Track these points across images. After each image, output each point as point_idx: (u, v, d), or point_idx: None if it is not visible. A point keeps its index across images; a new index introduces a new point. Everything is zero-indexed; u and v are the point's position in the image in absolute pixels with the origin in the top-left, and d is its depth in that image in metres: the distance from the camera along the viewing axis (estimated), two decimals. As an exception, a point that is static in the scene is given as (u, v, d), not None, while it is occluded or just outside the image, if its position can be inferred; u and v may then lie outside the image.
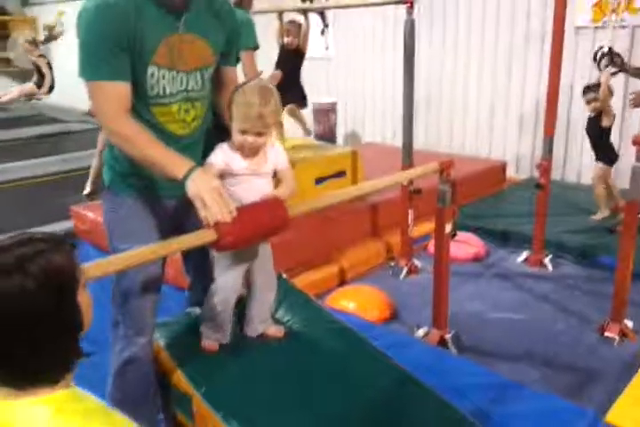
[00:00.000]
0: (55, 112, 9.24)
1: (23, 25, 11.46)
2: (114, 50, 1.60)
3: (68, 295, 0.93)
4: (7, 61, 11.40)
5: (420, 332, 2.80)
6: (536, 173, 3.89)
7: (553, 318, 3.07)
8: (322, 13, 6.80)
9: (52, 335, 0.91)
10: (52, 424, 0.89)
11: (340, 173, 3.97)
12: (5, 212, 4.29)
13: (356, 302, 3.04)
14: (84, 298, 0.97)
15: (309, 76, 7.13)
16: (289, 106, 4.21)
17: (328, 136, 6.26)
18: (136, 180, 1.81)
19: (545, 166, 3.53)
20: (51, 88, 7.64)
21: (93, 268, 1.35)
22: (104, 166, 1.89)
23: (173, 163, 1.63)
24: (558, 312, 3.13)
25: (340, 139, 6.76)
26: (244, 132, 1.69)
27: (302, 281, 3.14)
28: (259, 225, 1.72)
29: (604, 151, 4.04)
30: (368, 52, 6.53)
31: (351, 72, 6.78)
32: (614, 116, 3.97)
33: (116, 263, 1.48)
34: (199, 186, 1.57)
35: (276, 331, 2.13)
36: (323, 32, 6.90)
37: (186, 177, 1.59)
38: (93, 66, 1.62)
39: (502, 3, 5.32)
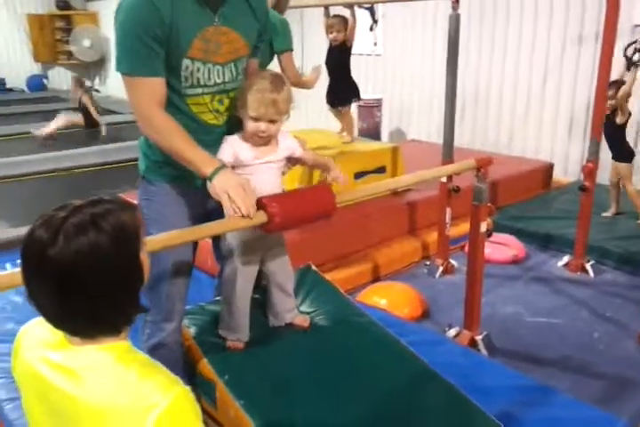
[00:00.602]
0: (109, 104, 9.48)
1: (86, 19, 11.81)
2: (150, 45, 1.63)
3: (134, 251, 1.02)
4: (70, 54, 11.76)
5: (452, 332, 2.76)
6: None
7: (590, 325, 2.98)
8: (370, 9, 6.77)
9: (121, 288, 1.00)
10: (113, 369, 0.99)
11: (380, 169, 3.94)
12: (58, 198, 4.41)
13: (388, 299, 3.01)
14: (144, 256, 1.06)
15: (356, 72, 7.14)
16: (345, 107, 4.16)
17: (372, 133, 6.23)
18: (170, 169, 1.83)
19: (590, 169, 3.43)
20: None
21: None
22: (139, 155, 1.92)
23: (202, 160, 1.67)
24: (596, 319, 3.04)
25: (384, 136, 6.72)
26: (256, 119, 1.70)
27: (336, 276, 3.13)
28: (307, 208, 1.75)
29: (621, 149, 3.96)
30: (417, 48, 6.46)
31: (398, 68, 6.72)
32: (630, 114, 3.87)
33: (154, 243, 1.48)
34: (224, 184, 1.61)
35: (301, 321, 2.14)
36: (371, 28, 6.86)
37: (212, 175, 1.63)
38: (129, 61, 1.66)
39: (555, 6, 5.18)
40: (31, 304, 0.99)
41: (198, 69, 1.73)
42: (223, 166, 1.65)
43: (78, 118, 7.64)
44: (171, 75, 1.71)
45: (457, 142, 4.16)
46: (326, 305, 2.31)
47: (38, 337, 1.08)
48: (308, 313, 2.23)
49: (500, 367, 2.42)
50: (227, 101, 1.83)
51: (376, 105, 6.34)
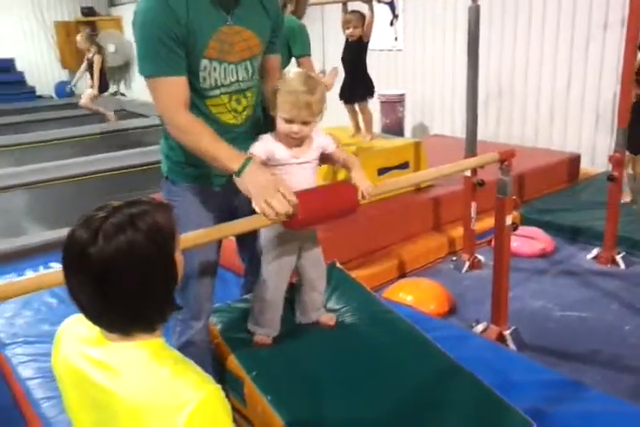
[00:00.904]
0: (135, 107, 9.60)
1: (110, 24, 11.98)
2: (169, 45, 1.65)
3: (168, 250, 1.06)
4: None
5: (479, 327, 2.74)
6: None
7: (621, 318, 2.93)
8: (391, 4, 6.74)
9: (157, 286, 1.04)
10: (148, 366, 1.02)
11: (403, 165, 3.93)
12: (89, 200, 4.51)
13: (414, 295, 3.00)
14: (179, 256, 1.10)
15: (378, 67, 7.13)
16: (362, 103, 4.13)
17: (395, 128, 6.20)
18: (193, 169, 1.86)
19: (617, 159, 3.37)
20: (105, 88, 7.69)
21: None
22: (161, 156, 1.95)
23: (228, 157, 1.67)
24: (627, 312, 2.99)
25: (407, 131, 6.68)
26: (289, 121, 1.69)
27: (361, 273, 3.14)
28: (330, 205, 1.76)
29: None
30: (438, 42, 6.41)
31: (420, 63, 6.68)
32: None
33: (182, 241, 1.51)
34: (252, 179, 1.61)
35: (328, 319, 2.15)
36: (392, 23, 6.83)
37: (240, 171, 1.63)
38: (150, 62, 1.68)
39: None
40: (71, 301, 1.04)
41: (215, 69, 1.75)
42: (249, 160, 1.64)
43: (91, 93, 7.67)
44: (190, 76, 1.73)
45: (481, 136, 4.13)
46: (352, 302, 2.32)
47: (77, 333, 1.12)
48: (334, 310, 2.25)
49: (529, 362, 2.40)
50: (244, 101, 1.85)
51: (398, 100, 6.31)
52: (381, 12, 6.84)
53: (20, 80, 11.49)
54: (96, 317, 1.04)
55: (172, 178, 1.91)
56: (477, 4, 3.26)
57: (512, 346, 2.63)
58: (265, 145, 1.74)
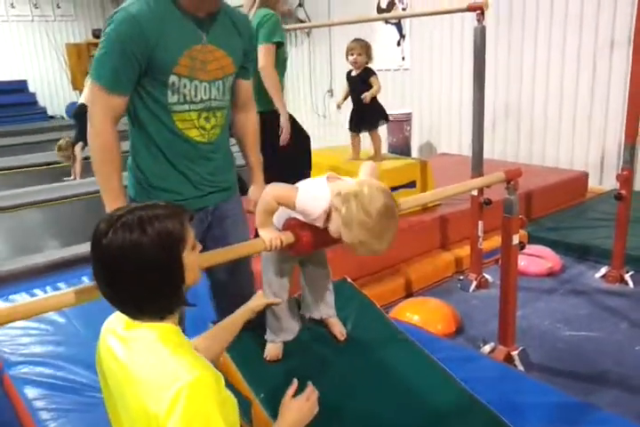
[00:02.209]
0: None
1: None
2: (123, 64, 1.70)
3: (174, 253, 1.17)
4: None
5: (487, 347, 2.72)
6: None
7: (631, 338, 2.90)
8: (398, 25, 6.81)
9: (158, 282, 1.16)
10: (153, 344, 1.17)
11: (410, 184, 3.93)
12: (99, 218, 4.55)
13: (421, 315, 2.99)
14: (190, 258, 1.21)
15: (385, 87, 7.14)
16: (373, 130, 4.02)
17: (402, 148, 6.23)
18: (162, 193, 1.88)
19: (625, 176, 3.36)
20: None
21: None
22: (128, 178, 1.95)
23: (115, 196, 1.77)
24: (637, 331, 2.96)
25: (414, 150, 6.71)
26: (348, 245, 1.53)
27: (368, 292, 3.07)
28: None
29: None
30: (445, 61, 6.46)
31: (427, 82, 6.72)
32: None
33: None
34: None
35: (340, 331, 2.10)
36: (399, 43, 6.89)
37: None
38: (102, 72, 1.73)
39: (586, 4, 5.11)
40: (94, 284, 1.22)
41: (185, 86, 1.78)
42: None
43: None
44: (158, 90, 1.77)
45: (489, 154, 4.15)
46: (362, 319, 2.30)
47: (113, 322, 1.29)
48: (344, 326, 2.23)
49: (537, 384, 2.36)
50: (213, 120, 1.88)
51: (405, 120, 6.34)
52: (389, 32, 6.92)
53: (31, 101, 11.63)
54: (109, 300, 1.20)
55: (136, 198, 1.92)
56: (483, 25, 3.28)
57: (520, 367, 2.60)
58: (311, 208, 1.59)
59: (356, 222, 1.46)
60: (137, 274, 1.14)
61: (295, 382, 1.56)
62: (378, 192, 1.48)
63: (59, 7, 12.06)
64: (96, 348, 1.32)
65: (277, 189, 1.64)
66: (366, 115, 3.94)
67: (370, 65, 3.95)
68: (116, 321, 1.28)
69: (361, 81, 3.91)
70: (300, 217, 1.67)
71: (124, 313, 1.22)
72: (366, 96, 3.80)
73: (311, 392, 1.51)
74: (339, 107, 4.12)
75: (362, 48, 3.88)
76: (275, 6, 3.43)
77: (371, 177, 1.68)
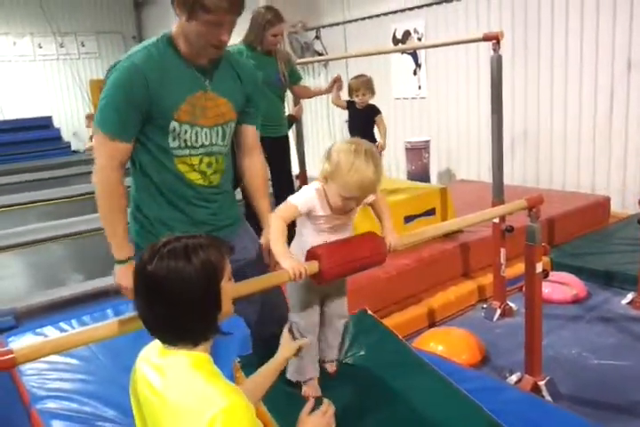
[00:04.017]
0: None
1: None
2: (129, 112, 1.75)
3: (213, 282, 1.23)
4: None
5: (513, 377, 2.68)
6: (641, 209, 3.70)
7: (661, 366, 2.85)
8: (413, 54, 6.90)
9: (196, 310, 1.21)
10: (186, 372, 1.20)
11: (430, 212, 3.94)
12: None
13: (445, 345, 2.97)
14: (227, 288, 1.27)
15: (403, 115, 7.26)
16: None
17: (421, 175, 6.25)
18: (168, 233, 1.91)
19: (648, 202, 3.34)
20: None
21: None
22: (131, 225, 1.98)
23: (119, 243, 1.83)
24: (667, 360, 2.91)
25: (433, 177, 6.73)
26: (348, 198, 1.67)
27: (391, 322, 3.10)
28: (359, 257, 1.77)
29: None
30: (461, 89, 6.51)
31: (444, 110, 6.77)
32: None
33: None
34: (120, 277, 1.81)
35: (330, 366, 2.12)
36: (415, 72, 6.97)
37: (119, 262, 1.82)
38: (106, 121, 1.77)
39: (601, 28, 5.14)
40: (135, 310, 1.27)
41: (186, 131, 1.82)
42: (130, 259, 1.80)
43: None
44: (159, 135, 1.81)
45: (508, 180, 4.14)
46: (384, 351, 2.30)
47: (148, 351, 1.33)
48: (364, 358, 2.22)
49: (566, 414, 2.31)
50: (214, 165, 1.92)
51: (423, 147, 6.37)
52: (405, 61, 7.02)
53: (56, 136, 11.91)
54: (148, 325, 1.25)
55: (143, 244, 1.91)
56: (499, 55, 3.31)
57: (548, 397, 2.56)
58: (309, 201, 1.74)
59: (335, 166, 1.64)
60: (178, 300, 1.19)
61: (312, 400, 1.57)
62: (349, 143, 1.68)
63: (83, 46, 12.46)
64: (130, 377, 1.35)
65: (279, 211, 1.75)
66: None
67: (372, 100, 3.96)
68: (151, 351, 1.32)
69: (365, 116, 3.90)
70: (309, 235, 1.74)
71: (159, 339, 1.27)
72: (380, 145, 3.79)
73: (327, 407, 1.52)
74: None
75: (366, 87, 3.89)
76: (254, 44, 3.65)
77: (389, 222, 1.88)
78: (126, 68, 1.74)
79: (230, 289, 1.30)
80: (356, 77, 3.96)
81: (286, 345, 1.79)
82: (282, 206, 1.76)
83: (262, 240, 2.13)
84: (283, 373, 1.83)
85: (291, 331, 1.91)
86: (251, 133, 2.07)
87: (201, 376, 1.18)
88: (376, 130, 4.07)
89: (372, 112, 3.91)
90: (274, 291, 2.07)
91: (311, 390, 2.02)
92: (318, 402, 1.55)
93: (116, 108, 1.75)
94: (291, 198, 1.75)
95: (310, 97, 4.42)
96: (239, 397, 1.16)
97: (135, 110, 1.75)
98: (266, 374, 1.70)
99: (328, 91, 4.11)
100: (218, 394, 1.14)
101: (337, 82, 4.05)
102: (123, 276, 1.81)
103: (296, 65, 4.18)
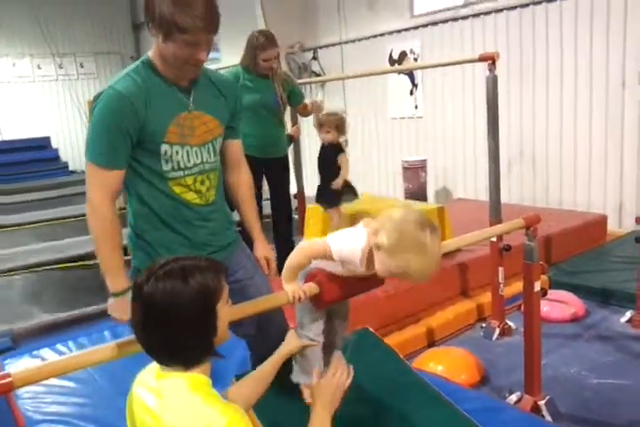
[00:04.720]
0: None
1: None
2: (117, 140, 1.75)
3: (209, 305, 1.23)
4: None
5: (513, 397, 2.66)
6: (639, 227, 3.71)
7: (661, 385, 2.84)
8: (410, 74, 6.97)
9: (193, 330, 1.21)
10: (185, 394, 1.20)
11: (428, 231, 3.93)
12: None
13: (445, 365, 2.95)
14: (223, 311, 1.27)
15: (400, 134, 7.31)
16: (331, 209, 3.83)
17: (419, 194, 6.27)
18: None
19: (645, 220, 3.36)
20: None
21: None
22: (131, 249, 1.99)
23: (115, 275, 1.82)
24: (667, 378, 2.90)
25: (430, 196, 6.75)
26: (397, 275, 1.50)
27: (389, 341, 3.08)
28: (358, 282, 1.75)
29: None
30: (457, 108, 6.56)
31: (440, 129, 6.82)
32: None
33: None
34: (124, 308, 1.72)
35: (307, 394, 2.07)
36: (411, 92, 7.04)
37: (115, 294, 1.81)
38: (95, 151, 1.78)
39: (595, 48, 5.20)
40: (131, 332, 1.26)
41: (177, 152, 1.84)
42: (127, 291, 1.76)
43: None
44: (152, 159, 1.82)
45: (505, 198, 4.16)
46: (384, 369, 2.29)
47: (145, 374, 1.33)
48: (364, 376, 2.20)
49: (566, 434, 2.32)
50: (207, 182, 1.93)
51: (420, 166, 6.41)
52: (401, 81, 7.09)
53: (54, 157, 11.95)
54: (144, 345, 1.25)
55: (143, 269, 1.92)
56: (495, 74, 3.34)
57: (548, 417, 2.54)
58: (349, 255, 1.56)
59: (398, 245, 1.43)
60: (174, 321, 1.19)
61: (317, 369, 1.59)
62: (409, 211, 1.50)
63: (82, 66, 12.58)
64: (127, 402, 1.34)
65: (309, 246, 1.65)
66: (327, 193, 3.76)
67: (342, 139, 3.76)
68: (147, 374, 1.32)
69: (328, 153, 3.73)
70: (327, 267, 1.68)
71: (156, 360, 1.27)
72: (336, 184, 3.66)
73: (337, 365, 1.54)
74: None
75: (332, 125, 3.67)
76: (250, 68, 3.68)
77: None
78: (112, 97, 1.75)
79: (227, 313, 1.29)
80: (329, 114, 3.79)
81: (290, 341, 1.78)
82: (315, 245, 1.62)
83: (257, 254, 2.14)
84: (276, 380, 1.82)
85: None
86: (236, 148, 2.09)
87: (199, 397, 1.18)
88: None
89: (335, 150, 3.70)
90: (274, 317, 2.08)
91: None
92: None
93: (106, 138, 1.75)
94: (330, 241, 1.59)
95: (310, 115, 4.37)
96: (237, 413, 1.17)
97: (125, 138, 1.76)
98: (264, 371, 1.70)
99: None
100: (216, 413, 1.15)
101: (314, 104, 4.00)
102: (118, 308, 1.80)
103: (297, 86, 4.16)
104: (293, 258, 1.66)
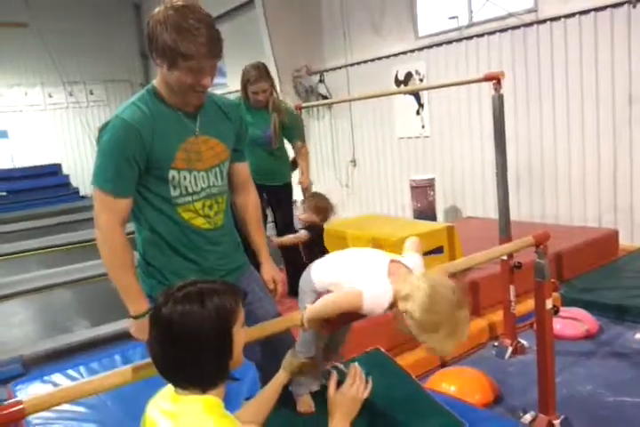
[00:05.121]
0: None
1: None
2: (125, 168, 1.77)
3: (226, 327, 1.25)
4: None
5: (527, 417, 2.63)
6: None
7: (679, 402, 2.79)
8: (416, 95, 7.02)
9: (207, 354, 1.22)
10: (199, 416, 1.21)
11: (438, 250, 3.94)
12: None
13: (458, 385, 2.92)
14: (239, 334, 1.28)
15: (408, 154, 7.34)
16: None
17: (428, 213, 6.27)
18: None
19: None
20: None
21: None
22: (140, 276, 1.97)
23: (133, 297, 1.83)
24: (685, 395, 2.85)
25: (440, 214, 6.74)
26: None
27: (402, 362, 3.05)
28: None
29: None
30: (464, 127, 6.59)
31: (448, 148, 6.85)
32: None
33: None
34: (145, 329, 1.69)
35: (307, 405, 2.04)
36: (418, 112, 7.08)
37: (137, 317, 1.81)
38: (103, 179, 1.79)
39: (600, 64, 5.23)
40: (149, 354, 1.28)
41: (185, 178, 1.85)
42: (149, 312, 1.71)
43: None
44: (160, 186, 1.83)
45: (514, 215, 4.14)
46: (397, 391, 2.26)
47: (159, 398, 1.33)
48: (376, 397, 2.18)
49: (583, 455, 2.28)
50: (215, 206, 1.94)
51: (428, 185, 6.41)
52: (407, 102, 7.14)
53: (65, 183, 12.09)
54: (159, 367, 1.26)
55: (154, 296, 1.88)
56: (500, 93, 3.36)
57: (564, 437, 2.51)
58: (374, 311, 1.60)
59: (431, 323, 1.44)
60: (190, 343, 1.21)
61: (335, 374, 1.57)
62: (443, 283, 1.48)
63: (92, 94, 12.80)
64: (140, 425, 1.35)
65: (341, 299, 1.61)
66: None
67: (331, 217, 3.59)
68: (161, 397, 1.32)
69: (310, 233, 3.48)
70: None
71: (172, 383, 1.28)
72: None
73: (354, 375, 1.54)
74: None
75: (308, 207, 3.49)
76: (244, 100, 3.68)
77: (417, 252, 1.73)
78: (119, 127, 1.77)
79: (242, 336, 1.31)
80: (313, 195, 3.63)
81: (290, 360, 1.80)
82: (347, 298, 1.59)
83: (264, 276, 2.14)
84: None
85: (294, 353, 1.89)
86: (243, 171, 2.10)
87: (212, 419, 1.20)
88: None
89: (313, 232, 3.46)
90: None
91: (303, 404, 1.98)
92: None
93: (113, 166, 1.77)
94: (365, 300, 1.56)
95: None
96: None
97: (132, 166, 1.77)
98: (270, 391, 1.72)
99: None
100: None
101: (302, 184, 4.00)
102: (140, 329, 1.79)
103: (300, 122, 4.11)
104: (326, 309, 1.63)
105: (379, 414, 2.13)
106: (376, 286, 1.58)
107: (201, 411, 1.21)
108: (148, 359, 1.50)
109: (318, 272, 1.78)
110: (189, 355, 1.21)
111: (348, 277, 1.65)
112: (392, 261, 1.64)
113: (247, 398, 2.17)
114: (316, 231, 3.49)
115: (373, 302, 1.57)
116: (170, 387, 1.31)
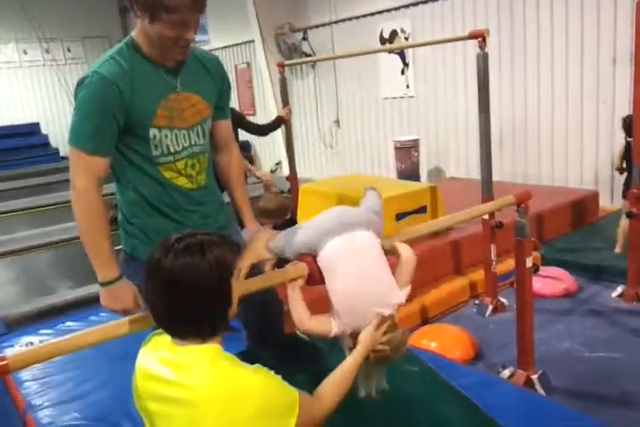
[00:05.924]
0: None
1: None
2: (104, 126, 1.70)
3: (225, 278, 1.27)
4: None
5: (506, 372, 2.70)
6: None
7: (653, 358, 2.88)
8: (401, 54, 6.93)
9: (209, 303, 1.25)
10: (213, 362, 1.23)
11: (421, 209, 3.95)
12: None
13: (439, 342, 2.98)
14: (236, 285, 1.32)
15: (392, 114, 7.28)
16: None
17: (411, 173, 6.28)
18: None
19: (636, 195, 3.37)
20: None
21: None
22: (123, 235, 1.94)
23: (104, 263, 1.74)
24: (658, 351, 2.93)
25: (423, 175, 6.75)
26: None
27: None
28: None
29: None
30: (449, 87, 6.54)
31: (432, 108, 6.80)
32: None
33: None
34: (117, 297, 1.73)
35: None
36: (403, 72, 7.00)
37: (107, 283, 1.73)
38: (80, 137, 1.72)
39: (586, 25, 5.19)
40: (146, 305, 1.30)
41: (166, 136, 1.79)
42: (120, 279, 1.73)
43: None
44: (140, 145, 1.78)
45: (497, 176, 4.16)
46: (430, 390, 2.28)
47: (151, 350, 1.34)
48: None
49: (559, 408, 2.33)
50: (197, 166, 1.90)
51: (413, 146, 6.41)
52: (392, 61, 7.04)
53: (44, 143, 11.85)
54: (160, 318, 1.28)
55: (140, 255, 1.86)
56: (485, 52, 3.32)
57: (541, 391, 2.58)
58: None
59: None
60: (194, 294, 1.23)
61: (377, 317, 1.59)
62: None
63: (69, 51, 12.42)
64: (133, 379, 1.34)
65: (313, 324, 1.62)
66: None
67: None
68: (155, 350, 1.32)
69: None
70: None
71: (171, 334, 1.29)
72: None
73: (381, 323, 1.59)
74: None
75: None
76: None
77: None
78: (96, 82, 1.69)
79: (238, 286, 1.34)
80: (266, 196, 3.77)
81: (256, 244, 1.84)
82: (318, 325, 1.61)
83: (246, 236, 2.13)
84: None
85: None
86: (225, 128, 2.05)
87: (226, 363, 1.24)
88: None
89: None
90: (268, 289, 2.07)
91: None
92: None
93: (91, 123, 1.70)
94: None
95: None
96: (264, 370, 1.26)
97: (111, 123, 1.71)
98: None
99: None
100: (248, 373, 1.22)
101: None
102: (111, 298, 1.74)
103: None
104: (315, 329, 1.62)
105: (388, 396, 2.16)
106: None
107: (210, 358, 1.24)
108: (130, 316, 1.50)
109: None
110: (192, 305, 1.23)
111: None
112: None
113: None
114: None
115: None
116: (162, 338, 1.32)
